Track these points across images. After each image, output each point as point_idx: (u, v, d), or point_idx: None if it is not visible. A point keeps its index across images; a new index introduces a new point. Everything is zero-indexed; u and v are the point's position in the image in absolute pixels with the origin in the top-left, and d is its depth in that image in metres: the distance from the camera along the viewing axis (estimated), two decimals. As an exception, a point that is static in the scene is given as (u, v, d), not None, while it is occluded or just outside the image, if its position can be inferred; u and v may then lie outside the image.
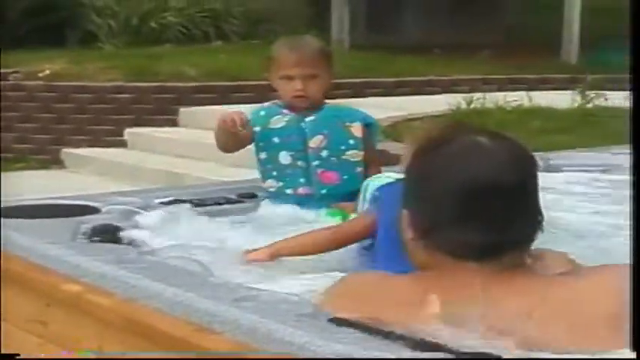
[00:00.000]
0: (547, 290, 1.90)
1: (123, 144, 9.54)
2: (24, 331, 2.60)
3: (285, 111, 3.51)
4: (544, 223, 1.98)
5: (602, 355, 1.78)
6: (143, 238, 2.83)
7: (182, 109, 9.67)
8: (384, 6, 14.29)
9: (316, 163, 3.46)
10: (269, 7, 12.60)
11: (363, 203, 2.96)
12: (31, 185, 8.00)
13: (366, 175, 3.32)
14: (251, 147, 3.55)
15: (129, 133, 9.58)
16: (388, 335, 1.79)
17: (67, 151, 9.56)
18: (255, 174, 3.64)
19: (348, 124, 3.50)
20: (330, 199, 3.41)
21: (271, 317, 1.96)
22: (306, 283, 2.37)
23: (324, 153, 3.47)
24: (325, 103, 3.56)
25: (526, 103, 9.01)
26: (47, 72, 10.10)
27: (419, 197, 1.97)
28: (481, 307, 1.87)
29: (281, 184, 3.48)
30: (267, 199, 3.49)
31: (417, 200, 1.98)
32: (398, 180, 2.75)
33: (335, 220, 3.13)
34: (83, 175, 8.92)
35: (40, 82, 9.95)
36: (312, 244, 2.77)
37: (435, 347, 1.76)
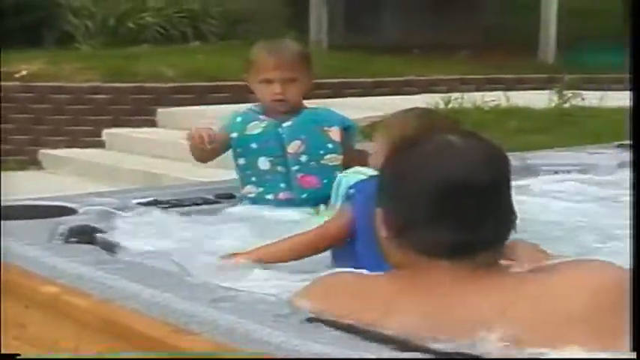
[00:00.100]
0: (520, 288, 1.91)
1: (101, 144, 9.51)
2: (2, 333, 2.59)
3: (261, 117, 3.51)
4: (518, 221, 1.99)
5: (602, 355, 1.80)
6: (120, 238, 2.83)
7: (160, 110, 9.64)
8: (362, 6, 14.30)
9: (296, 168, 3.47)
10: (247, 8, 12.58)
11: (337, 199, 2.95)
12: (8, 186, 7.96)
13: None
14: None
15: (107, 133, 9.55)
16: (364, 334, 1.80)
17: (44, 152, 9.51)
18: (233, 174, 3.64)
19: (326, 128, 3.50)
20: (311, 203, 3.41)
21: (249, 317, 1.96)
22: (285, 283, 2.37)
23: (303, 158, 3.47)
24: (304, 106, 3.56)
25: (504, 103, 9.05)
26: (24, 73, 10.05)
27: (392, 196, 1.98)
28: (455, 305, 1.88)
29: (261, 189, 3.48)
30: (246, 200, 3.49)
31: (390, 199, 1.99)
32: (371, 177, 2.76)
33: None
34: (61, 176, 8.88)
35: (17, 83, 9.90)
36: (290, 250, 2.76)
37: (411, 347, 1.77)
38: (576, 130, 7.79)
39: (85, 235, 2.81)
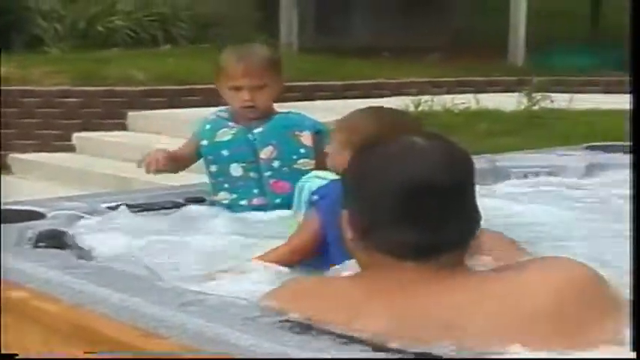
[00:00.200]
0: (484, 287, 1.92)
1: (71, 148, 9.47)
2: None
3: (231, 124, 3.52)
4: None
5: (603, 355, 1.82)
6: (89, 243, 2.82)
7: (131, 113, 9.61)
8: (332, 9, 14.33)
9: (268, 173, 3.48)
10: (217, 11, 12.57)
11: (300, 205, 2.95)
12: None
13: None
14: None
15: (77, 137, 9.51)
16: (331, 336, 1.81)
17: (13, 157, 9.45)
18: (203, 178, 3.64)
19: (297, 133, 3.50)
20: (284, 208, 3.41)
21: (218, 321, 1.96)
22: (257, 286, 2.37)
23: (276, 163, 3.48)
24: (275, 111, 3.57)
25: (473, 105, 9.10)
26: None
27: (357, 198, 1.99)
28: (420, 306, 1.89)
29: (234, 195, 3.49)
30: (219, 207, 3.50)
31: (355, 201, 2.00)
32: (332, 180, 2.76)
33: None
34: (31, 180, 8.83)
35: (-14, 87, 9.84)
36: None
37: (378, 348, 1.78)
38: (545, 132, 7.84)
39: (53, 239, 2.79)
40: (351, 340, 1.80)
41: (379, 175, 1.94)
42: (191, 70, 9.93)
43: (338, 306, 1.93)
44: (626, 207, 3.46)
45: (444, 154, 1.96)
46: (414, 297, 1.90)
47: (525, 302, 1.87)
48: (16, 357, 2.20)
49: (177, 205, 3.46)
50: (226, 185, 3.50)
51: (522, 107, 9.02)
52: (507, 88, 10.70)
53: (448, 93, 9.97)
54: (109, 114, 9.61)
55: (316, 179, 2.92)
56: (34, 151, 9.47)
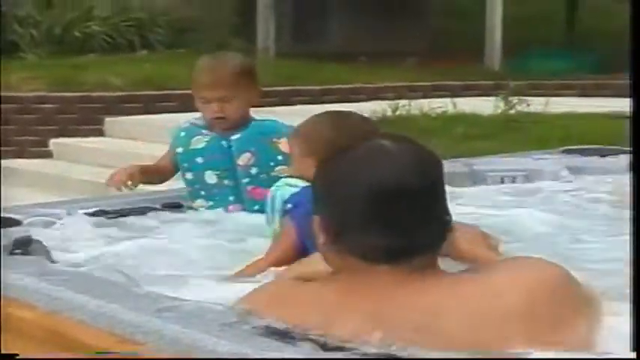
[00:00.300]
0: (457, 288, 1.94)
1: (48, 155, 9.44)
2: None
3: (205, 131, 3.52)
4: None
5: (602, 356, 1.83)
6: (66, 249, 2.81)
7: (108, 119, 9.59)
8: (309, 14, 14.34)
9: (246, 180, 3.48)
10: (194, 16, 12.56)
11: (273, 213, 2.95)
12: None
13: None
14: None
15: (54, 143, 9.48)
16: (305, 340, 1.81)
17: (-10, 163, 9.42)
18: (180, 184, 3.64)
19: (275, 139, 3.50)
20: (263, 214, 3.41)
21: (195, 327, 1.96)
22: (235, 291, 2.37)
23: (254, 170, 3.48)
24: (251, 118, 3.56)
25: (450, 109, 9.12)
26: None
27: (328, 202, 2.00)
28: (393, 308, 1.90)
29: (211, 203, 3.50)
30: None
31: (326, 205, 2.01)
32: (304, 187, 2.75)
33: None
34: (8, 186, 8.78)
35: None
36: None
37: (351, 351, 1.79)
38: (522, 136, 7.87)
39: (29, 246, 2.78)
40: (327, 344, 1.81)
41: (349, 179, 1.95)
42: (168, 75, 9.92)
43: (312, 310, 1.94)
44: (602, 209, 3.49)
45: (413, 156, 1.97)
46: (386, 300, 1.91)
47: (497, 303, 1.88)
48: (17, 357, 2.19)
49: (155, 211, 3.46)
50: (202, 193, 3.50)
51: (499, 111, 9.05)
52: (484, 92, 10.73)
53: (425, 97, 10.00)
54: (86, 120, 9.59)
55: (287, 187, 2.92)
56: (12, 157, 9.43)
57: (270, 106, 8.42)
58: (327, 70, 11.30)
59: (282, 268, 2.58)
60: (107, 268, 2.54)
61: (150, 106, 9.70)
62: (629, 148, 4.29)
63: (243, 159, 3.48)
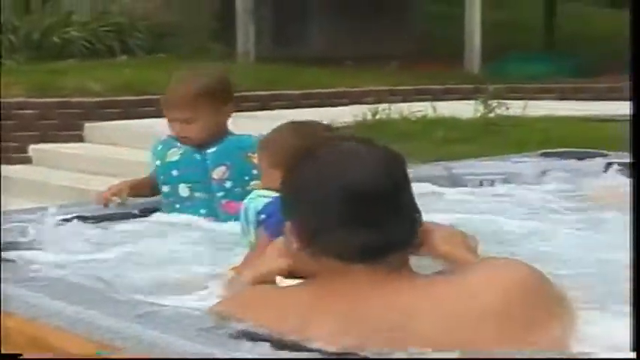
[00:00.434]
0: (432, 289, 1.95)
1: (28, 160, 9.41)
2: None
3: (179, 144, 3.52)
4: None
5: (603, 356, 1.84)
6: (43, 255, 2.80)
7: (87, 125, 9.57)
8: (289, 18, 14.36)
9: (221, 194, 3.47)
10: (174, 21, 12.55)
11: (247, 225, 2.94)
12: None
13: None
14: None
15: (33, 149, 9.45)
16: (283, 344, 1.82)
17: (-31, 169, 9.38)
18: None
19: (250, 154, 3.48)
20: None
21: (172, 332, 1.96)
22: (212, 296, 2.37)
23: (228, 184, 3.48)
24: (228, 132, 3.55)
25: (430, 113, 9.14)
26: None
27: (298, 207, 2.02)
28: (368, 308, 1.91)
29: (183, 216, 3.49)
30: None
31: (296, 210, 2.02)
32: (276, 197, 2.75)
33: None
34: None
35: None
36: None
37: (329, 353, 1.79)
38: (501, 139, 7.90)
39: (5, 252, 2.77)
40: (304, 347, 1.81)
41: (318, 181, 1.97)
42: (148, 80, 9.90)
43: (289, 313, 1.95)
44: (578, 211, 3.51)
45: (379, 155, 2.00)
46: (362, 300, 1.93)
47: (472, 303, 1.89)
48: (20, 357, 2.19)
49: (133, 216, 3.45)
50: (177, 206, 3.50)
51: (478, 115, 9.08)
52: (464, 96, 10.77)
53: (406, 101, 10.02)
54: (66, 125, 9.56)
55: (260, 198, 2.92)
56: (-10, 163, 9.40)
57: (249, 110, 8.42)
58: (307, 75, 11.31)
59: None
60: (86, 274, 2.53)
61: (130, 112, 9.68)
62: (606, 152, 4.34)
63: (218, 172, 3.47)
